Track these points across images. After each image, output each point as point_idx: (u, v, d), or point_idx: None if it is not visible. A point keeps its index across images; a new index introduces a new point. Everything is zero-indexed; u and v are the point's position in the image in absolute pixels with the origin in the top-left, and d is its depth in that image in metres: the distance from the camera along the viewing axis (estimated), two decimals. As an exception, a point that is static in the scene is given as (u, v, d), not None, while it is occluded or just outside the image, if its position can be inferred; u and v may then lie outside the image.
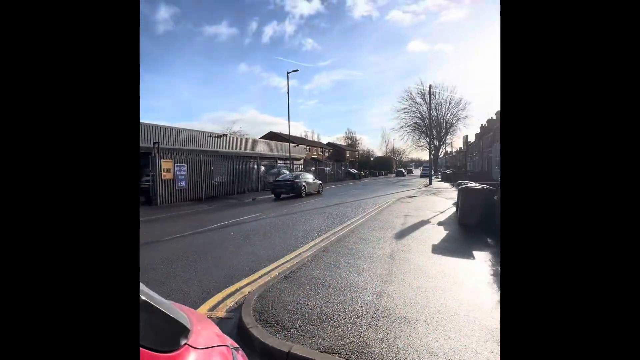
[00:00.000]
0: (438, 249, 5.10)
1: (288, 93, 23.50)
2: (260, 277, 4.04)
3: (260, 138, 35.57)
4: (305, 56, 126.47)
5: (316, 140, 63.87)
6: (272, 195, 15.06)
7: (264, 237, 6.33)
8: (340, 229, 7.01)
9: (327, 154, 52.03)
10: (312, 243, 5.78)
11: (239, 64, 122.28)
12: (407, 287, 3.44)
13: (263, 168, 20.39)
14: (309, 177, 16.18)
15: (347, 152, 59.37)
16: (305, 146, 39.17)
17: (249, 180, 18.42)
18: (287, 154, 24.61)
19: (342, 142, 68.94)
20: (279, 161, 23.51)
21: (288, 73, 22.72)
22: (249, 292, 3.48)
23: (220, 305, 3.27)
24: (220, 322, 2.93)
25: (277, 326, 2.61)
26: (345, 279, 3.69)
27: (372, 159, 64.90)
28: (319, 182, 17.45)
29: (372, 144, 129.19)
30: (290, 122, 24.22)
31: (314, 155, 45.28)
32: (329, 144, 60.83)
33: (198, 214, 10.25)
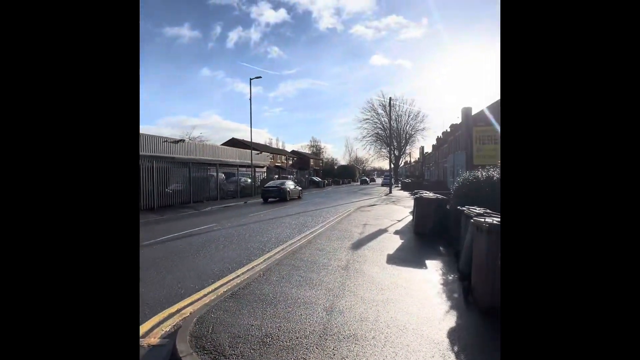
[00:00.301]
0: (392, 259, 5.14)
1: (250, 99, 23.16)
2: (205, 295, 3.74)
3: (222, 145, 34.44)
4: (271, 64, 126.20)
5: (280, 147, 63.44)
6: (261, 199, 17.74)
7: (216, 251, 5.97)
8: (298, 240, 6.84)
9: (291, 162, 51.80)
10: (267, 255, 5.55)
11: (202, 68, 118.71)
12: (359, 301, 3.36)
13: (223, 176, 19.65)
14: (291, 185, 18.87)
15: (312, 160, 59.61)
16: (268, 154, 38.64)
17: (207, 188, 17.61)
18: (250, 162, 24.02)
19: (307, 151, 69.19)
20: (241, 169, 22.84)
21: (251, 79, 22.43)
22: (189, 313, 3.19)
23: (156, 330, 2.94)
24: (152, 350, 2.61)
25: (215, 353, 2.37)
26: (296, 294, 3.52)
27: (335, 167, 65.71)
28: (300, 188, 20.28)
29: (336, 153, 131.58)
30: (253, 129, 23.77)
31: (278, 163, 44.82)
32: (293, 151, 60.70)
33: (147, 225, 9.50)
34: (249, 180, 22.46)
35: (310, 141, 75.74)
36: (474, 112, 16.15)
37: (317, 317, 2.95)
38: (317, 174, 48.65)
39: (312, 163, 58.20)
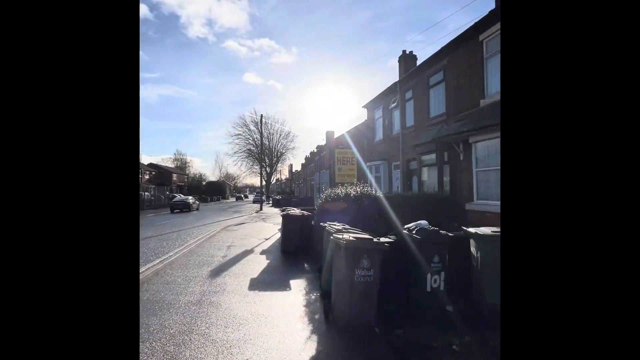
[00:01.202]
0: (256, 284, 4.71)
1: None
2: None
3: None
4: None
5: (135, 159, 53.83)
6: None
7: None
8: (142, 272, 5.53)
9: (148, 177, 44.75)
10: (88, 299, 4.14)
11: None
12: (209, 345, 2.76)
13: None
14: (192, 199, 25.34)
15: (175, 175, 53.34)
16: (117, 166, 32.03)
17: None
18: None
19: (170, 164, 61.65)
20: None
21: (91, 74, 18.19)
22: None
23: None
24: None
25: None
26: (119, 353, 2.60)
27: (204, 183, 60.92)
28: (198, 202, 27.45)
29: (205, 168, 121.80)
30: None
31: (130, 177, 37.74)
32: (151, 165, 52.73)
33: None
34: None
35: (175, 154, 68.12)
36: (336, 136, 17.99)
37: (144, 384, 2.19)
38: (181, 191, 43.74)
39: (175, 178, 52.03)
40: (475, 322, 3.27)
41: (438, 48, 9.51)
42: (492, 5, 8.03)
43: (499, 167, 6.72)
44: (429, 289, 3.51)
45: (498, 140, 6.55)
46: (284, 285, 4.67)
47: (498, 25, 7.13)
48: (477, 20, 7.74)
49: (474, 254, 3.78)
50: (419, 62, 12.18)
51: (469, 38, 8.12)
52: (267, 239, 9.16)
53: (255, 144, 44.82)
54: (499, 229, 3.71)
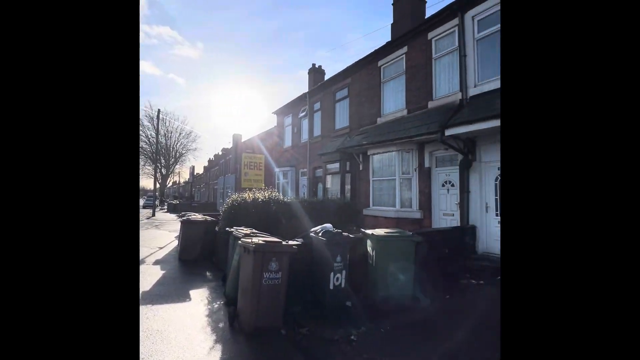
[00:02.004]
0: (148, 297, 4.18)
1: None
2: None
3: None
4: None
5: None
6: None
7: None
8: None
9: None
10: None
11: None
12: (87, 374, 2.32)
13: None
14: None
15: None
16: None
17: None
18: None
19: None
20: None
21: None
22: None
23: None
24: None
25: None
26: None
27: (77, 184, 50.41)
28: None
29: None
30: None
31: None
32: None
33: None
34: None
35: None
36: (243, 139, 17.54)
37: None
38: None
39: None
40: (370, 314, 3.66)
41: (343, 66, 10.41)
42: (389, 37, 9.27)
43: (390, 178, 7.71)
44: (331, 286, 3.76)
45: (391, 154, 7.54)
46: (183, 297, 4.28)
47: (393, 55, 8.27)
48: (377, 48, 8.80)
49: (369, 252, 4.23)
50: (326, 77, 13.01)
51: (370, 62, 9.15)
52: (161, 248, 8.21)
53: (150, 141, 39.74)
54: (391, 230, 4.26)
